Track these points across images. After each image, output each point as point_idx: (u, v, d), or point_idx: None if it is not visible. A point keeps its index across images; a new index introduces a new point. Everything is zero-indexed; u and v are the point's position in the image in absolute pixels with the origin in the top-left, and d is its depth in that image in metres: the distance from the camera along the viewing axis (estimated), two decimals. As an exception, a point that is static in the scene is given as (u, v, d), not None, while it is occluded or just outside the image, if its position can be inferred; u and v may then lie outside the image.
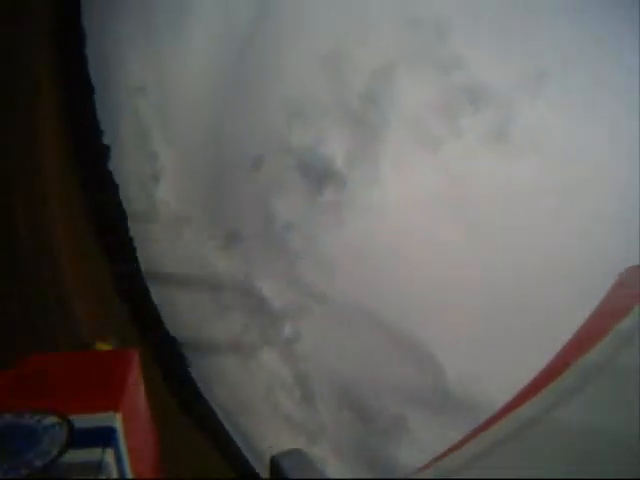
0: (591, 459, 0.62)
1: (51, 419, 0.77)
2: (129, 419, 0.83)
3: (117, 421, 0.79)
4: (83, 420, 0.77)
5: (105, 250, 15.40)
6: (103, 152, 16.96)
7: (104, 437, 0.74)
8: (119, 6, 15.69)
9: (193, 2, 16.20)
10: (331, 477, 0.75)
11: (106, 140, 16.96)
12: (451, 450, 0.71)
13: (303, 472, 0.74)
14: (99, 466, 0.67)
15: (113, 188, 16.89)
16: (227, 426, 14.07)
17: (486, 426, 0.75)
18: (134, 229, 16.38)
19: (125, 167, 17.15)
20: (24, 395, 0.91)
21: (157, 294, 16.27)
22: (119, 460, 0.74)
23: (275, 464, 0.77)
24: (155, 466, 1.10)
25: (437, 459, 0.71)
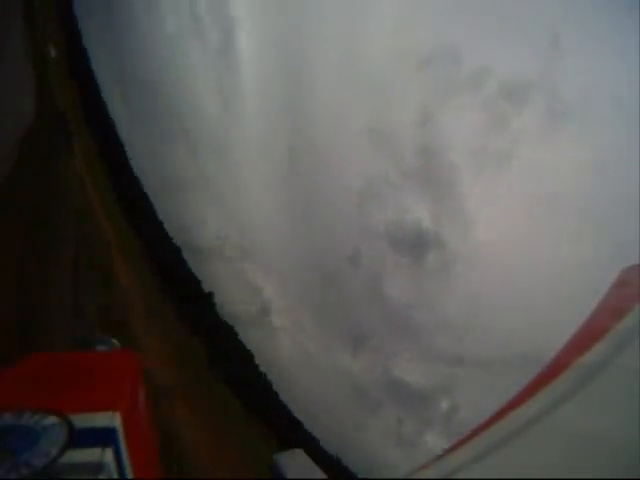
0: (591, 459, 0.61)
1: (51, 419, 0.76)
2: (129, 419, 0.82)
3: (117, 421, 0.78)
4: (83, 420, 0.76)
5: (237, 393, 15.72)
6: (208, 299, 18.05)
7: (104, 437, 0.73)
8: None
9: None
10: (329, 477, 0.74)
11: (206, 288, 18.10)
12: (451, 450, 0.70)
13: (301, 472, 0.73)
14: (99, 466, 0.66)
15: (230, 332, 17.69)
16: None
17: (486, 426, 0.74)
18: (261, 364, 16.75)
19: (232, 309, 17.97)
20: (24, 394, 0.90)
21: (305, 419, 16.13)
22: (119, 460, 0.72)
23: (275, 464, 0.76)
24: (155, 466, 1.08)
25: (437, 459, 0.70)
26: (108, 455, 0.69)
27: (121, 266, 14.20)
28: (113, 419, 0.78)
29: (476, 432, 0.74)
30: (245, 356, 16.96)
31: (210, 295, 18.44)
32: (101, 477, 0.65)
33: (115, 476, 0.69)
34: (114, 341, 1.44)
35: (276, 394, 16.90)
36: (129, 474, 0.75)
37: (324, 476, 0.75)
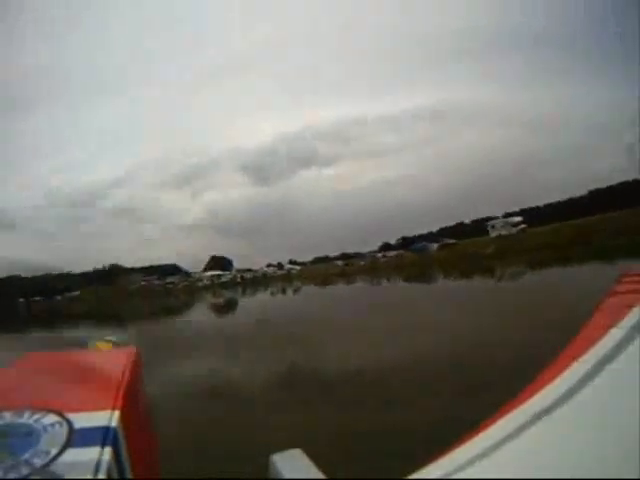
0: (589, 460, 0.62)
1: (51, 418, 0.76)
2: (128, 418, 0.82)
3: (116, 420, 0.78)
4: (82, 419, 0.76)
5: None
6: None
7: (103, 436, 0.73)
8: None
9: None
10: (327, 477, 0.74)
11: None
12: (451, 450, 0.71)
13: (300, 472, 0.73)
14: (98, 465, 0.66)
15: None
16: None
17: (487, 425, 0.75)
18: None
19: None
20: (24, 394, 0.90)
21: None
22: (118, 459, 0.72)
23: (273, 464, 0.76)
24: (155, 466, 1.08)
25: (438, 459, 0.71)
26: (107, 454, 0.69)
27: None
28: (112, 418, 0.78)
29: (477, 431, 0.74)
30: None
31: None
32: (100, 477, 0.64)
33: (115, 476, 0.69)
34: (113, 339, 1.44)
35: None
36: (129, 473, 0.75)
37: (323, 476, 0.74)
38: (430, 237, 70.36)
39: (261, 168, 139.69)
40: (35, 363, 1.13)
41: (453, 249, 45.18)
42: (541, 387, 0.82)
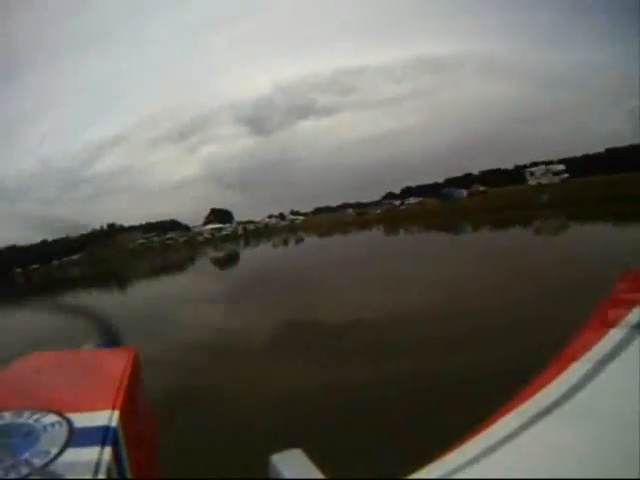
0: (590, 460, 0.62)
1: (50, 418, 0.77)
2: (128, 417, 0.82)
3: (116, 420, 0.78)
4: (82, 419, 0.77)
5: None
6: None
7: (103, 436, 0.73)
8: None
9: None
10: (327, 477, 0.73)
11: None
12: (451, 450, 0.70)
13: (300, 472, 0.73)
14: (98, 465, 0.66)
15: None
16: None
17: (488, 424, 0.75)
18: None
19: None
20: (24, 394, 0.90)
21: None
22: (118, 459, 0.72)
23: (273, 465, 0.76)
24: (155, 465, 1.08)
25: (438, 458, 0.70)
26: (107, 454, 0.69)
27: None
28: (112, 418, 0.78)
29: (477, 431, 0.74)
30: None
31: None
32: (100, 477, 0.64)
33: (115, 476, 0.69)
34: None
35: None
36: (128, 473, 0.75)
37: (323, 476, 0.74)
38: (442, 186, 63.16)
39: (259, 119, 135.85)
40: (35, 363, 1.13)
41: (486, 197, 41.69)
42: (541, 387, 0.82)
